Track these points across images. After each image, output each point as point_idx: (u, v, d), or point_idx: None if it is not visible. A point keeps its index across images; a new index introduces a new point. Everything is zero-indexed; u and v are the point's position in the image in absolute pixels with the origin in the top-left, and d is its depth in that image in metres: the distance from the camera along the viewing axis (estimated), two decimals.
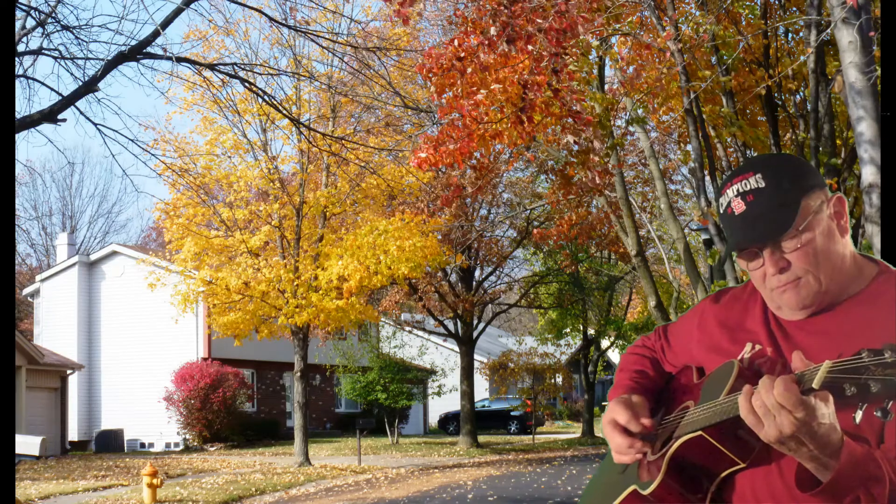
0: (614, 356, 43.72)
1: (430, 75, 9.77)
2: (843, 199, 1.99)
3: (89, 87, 12.62)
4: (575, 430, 41.91)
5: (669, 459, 1.91)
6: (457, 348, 33.10)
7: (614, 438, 2.02)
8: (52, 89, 19.23)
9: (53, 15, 13.14)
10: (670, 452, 1.91)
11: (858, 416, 1.65)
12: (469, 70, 9.61)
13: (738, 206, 1.95)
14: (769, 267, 1.93)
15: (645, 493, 1.95)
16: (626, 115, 15.50)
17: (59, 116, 12.44)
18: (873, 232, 7.21)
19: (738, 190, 1.96)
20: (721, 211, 2.01)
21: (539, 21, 9.28)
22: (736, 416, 1.80)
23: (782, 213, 1.90)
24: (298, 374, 23.56)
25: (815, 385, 1.66)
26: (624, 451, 2.01)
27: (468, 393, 30.73)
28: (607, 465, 2.21)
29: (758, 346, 1.98)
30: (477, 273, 31.35)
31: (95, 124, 12.88)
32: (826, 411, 1.67)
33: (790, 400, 1.67)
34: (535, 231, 23.34)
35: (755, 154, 11.68)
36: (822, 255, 1.91)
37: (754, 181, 1.94)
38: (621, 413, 2.02)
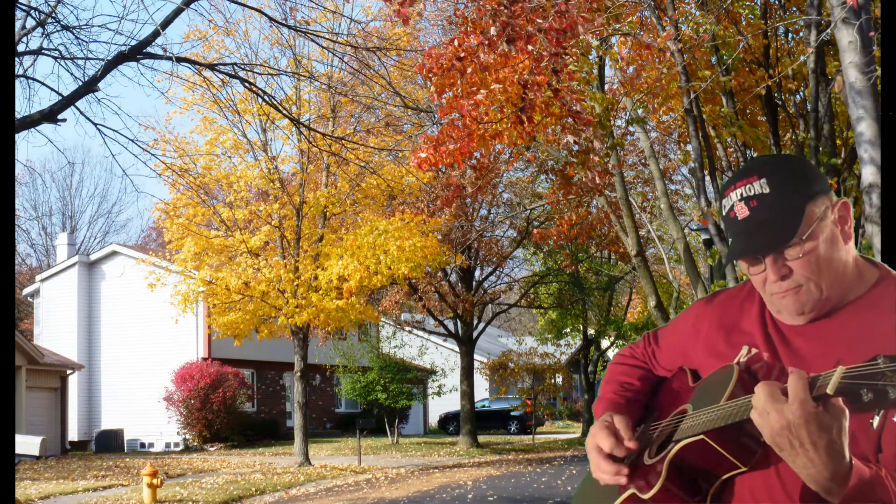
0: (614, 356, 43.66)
1: (430, 75, 9.77)
2: (848, 204, 1.95)
3: (89, 87, 12.61)
4: (575, 430, 41.90)
5: (669, 463, 1.90)
6: (457, 348, 33.10)
7: (600, 465, 1.99)
8: (52, 89, 19.24)
9: (53, 15, 13.14)
10: (670, 456, 1.90)
11: (876, 421, 1.64)
12: (469, 70, 9.61)
13: (742, 212, 1.91)
14: (771, 274, 1.90)
15: (645, 497, 1.93)
16: (626, 115, 15.50)
17: (59, 116, 12.43)
18: (873, 232, 7.21)
19: (741, 194, 1.92)
20: (724, 213, 1.97)
21: (539, 21, 9.28)
22: (740, 421, 1.79)
23: (786, 222, 1.87)
24: (298, 374, 23.56)
25: (829, 391, 1.63)
26: (610, 477, 1.99)
27: (468, 393, 30.73)
28: None
29: (754, 350, 1.96)
30: (477, 273, 31.35)
31: (95, 124, 12.88)
32: (830, 422, 1.65)
33: (797, 393, 1.66)
34: (535, 231, 23.33)
35: (755, 154, 11.68)
36: (824, 263, 1.88)
37: (758, 186, 1.90)
38: (605, 440, 1.99)
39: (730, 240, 1.98)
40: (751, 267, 1.94)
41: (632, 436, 1.99)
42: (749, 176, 1.93)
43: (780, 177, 1.91)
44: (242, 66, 16.09)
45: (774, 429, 1.68)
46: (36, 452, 18.52)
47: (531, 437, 36.02)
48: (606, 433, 2.00)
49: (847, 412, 1.66)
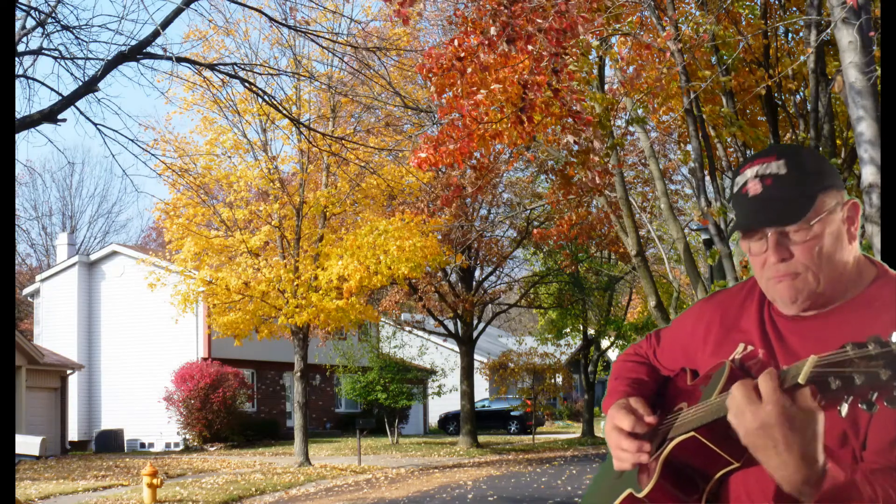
0: (614, 356, 43.70)
1: (430, 75, 9.78)
2: (858, 205, 1.95)
3: (89, 87, 12.62)
4: (575, 430, 41.91)
5: (664, 462, 1.90)
6: (457, 348, 33.10)
7: (621, 443, 1.97)
8: (52, 89, 19.25)
9: (53, 15, 13.14)
10: (664, 455, 1.90)
11: (844, 409, 1.63)
12: (469, 70, 9.61)
13: (755, 188, 1.91)
14: (771, 254, 1.90)
15: (640, 496, 1.93)
16: (626, 115, 15.50)
17: (59, 116, 12.44)
18: (873, 232, 7.22)
19: (758, 172, 1.92)
20: (735, 191, 1.97)
21: (539, 21, 9.28)
22: (726, 416, 1.79)
23: (798, 202, 1.88)
24: (298, 374, 23.56)
25: (801, 380, 1.64)
26: (632, 455, 1.95)
27: (468, 393, 30.74)
28: (607, 467, 2.20)
29: (749, 348, 1.97)
30: (477, 273, 31.36)
31: (95, 124, 12.89)
32: (804, 424, 1.65)
33: (769, 394, 1.67)
34: (535, 231, 23.34)
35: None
36: (825, 256, 1.89)
37: (776, 166, 1.91)
38: (624, 418, 1.98)
39: (737, 216, 1.97)
40: (753, 245, 1.93)
41: (650, 412, 1.98)
42: (768, 156, 1.94)
43: (798, 162, 1.92)
44: (242, 66, 16.09)
45: (749, 429, 1.69)
46: (36, 452, 18.49)
47: (531, 437, 36.03)
48: (624, 412, 1.99)
49: (822, 414, 1.66)
